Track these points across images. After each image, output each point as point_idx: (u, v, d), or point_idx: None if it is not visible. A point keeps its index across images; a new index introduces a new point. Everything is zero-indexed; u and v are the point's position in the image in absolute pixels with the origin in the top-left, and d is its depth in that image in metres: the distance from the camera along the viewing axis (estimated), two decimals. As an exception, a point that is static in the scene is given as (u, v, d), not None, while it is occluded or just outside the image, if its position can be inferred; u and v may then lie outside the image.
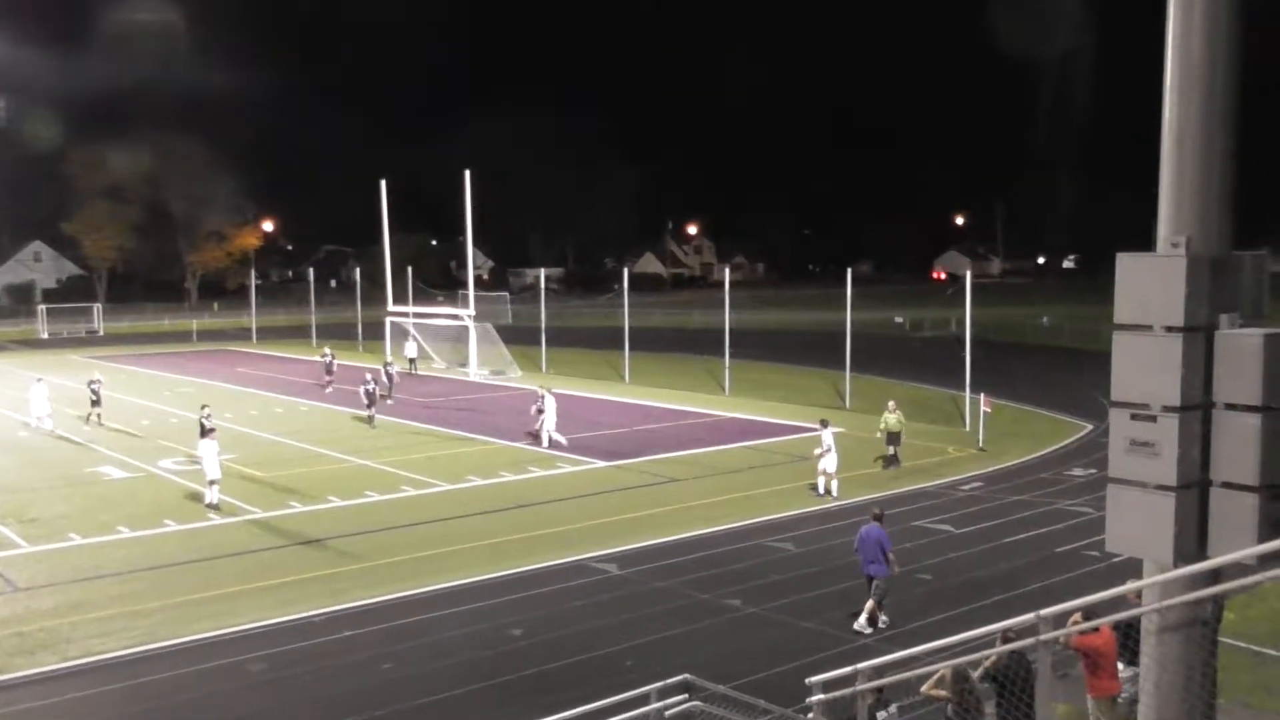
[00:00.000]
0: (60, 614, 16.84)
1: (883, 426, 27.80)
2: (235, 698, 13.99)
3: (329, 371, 43.70)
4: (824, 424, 24.88)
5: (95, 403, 34.27)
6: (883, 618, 16.00)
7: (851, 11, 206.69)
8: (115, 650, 15.34)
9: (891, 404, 28.23)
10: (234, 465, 28.02)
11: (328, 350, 46.08)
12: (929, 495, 24.48)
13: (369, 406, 34.61)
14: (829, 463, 24.08)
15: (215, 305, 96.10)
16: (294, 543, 21.00)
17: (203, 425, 27.61)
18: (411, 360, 49.50)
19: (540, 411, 30.70)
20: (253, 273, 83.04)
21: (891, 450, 27.71)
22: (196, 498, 24.23)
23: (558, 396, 41.29)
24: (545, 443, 30.30)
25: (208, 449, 23.63)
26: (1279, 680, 6.00)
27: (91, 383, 34.81)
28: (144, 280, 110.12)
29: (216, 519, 22.63)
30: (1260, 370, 5.79)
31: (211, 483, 23.54)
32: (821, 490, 24.25)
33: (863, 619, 15.90)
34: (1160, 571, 6.24)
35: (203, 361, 56.69)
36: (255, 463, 28.21)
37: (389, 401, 38.22)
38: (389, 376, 40.07)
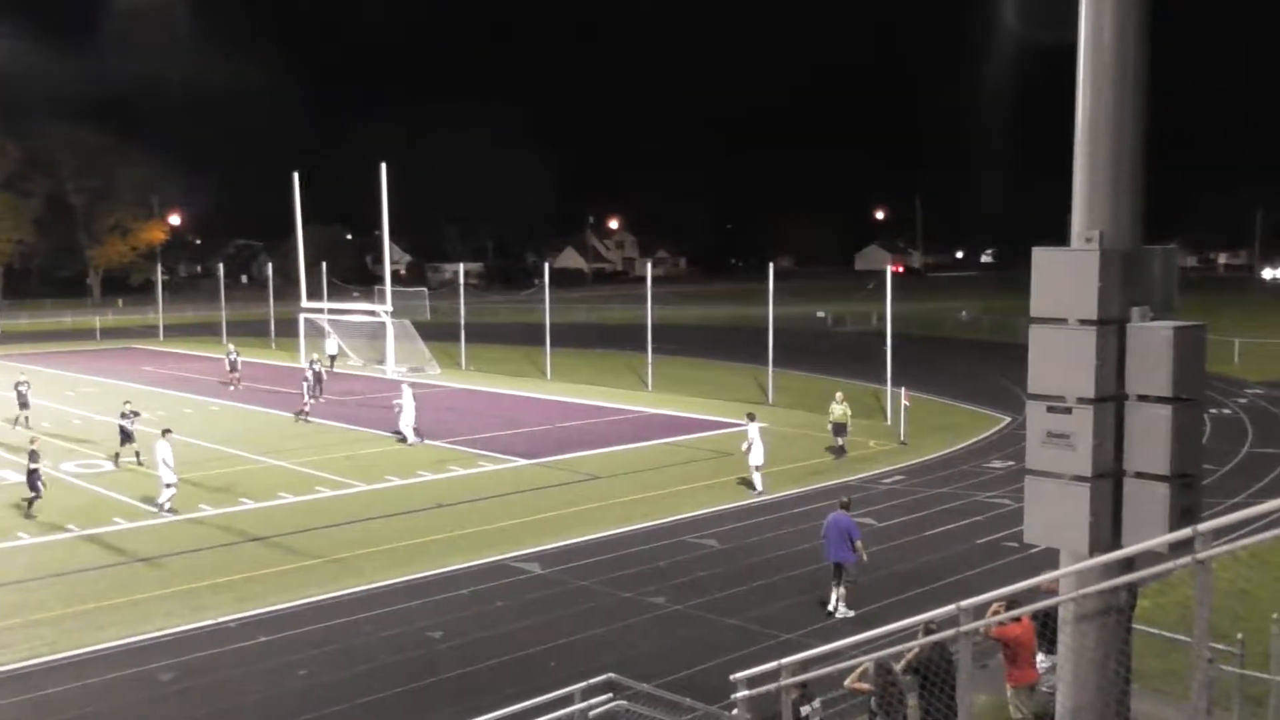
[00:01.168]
0: (-42, 625, 16.18)
1: (831, 418, 28.34)
2: (145, 708, 13.56)
3: (234, 369, 42.97)
4: (750, 418, 24.98)
5: (23, 405, 33.22)
6: (841, 607, 16.28)
7: (770, 6, 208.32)
8: (16, 661, 14.77)
9: (839, 395, 28.83)
10: (139, 468, 27.30)
11: (232, 348, 45.26)
12: (851, 489, 24.59)
13: (305, 400, 34.80)
14: (754, 456, 24.16)
15: (119, 302, 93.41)
16: (205, 547, 20.46)
17: (123, 420, 26.88)
18: (332, 357, 48.70)
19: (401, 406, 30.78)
20: (159, 268, 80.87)
21: (839, 441, 28.25)
22: (101, 502, 23.51)
23: (477, 394, 41.15)
24: (409, 437, 30.24)
25: (163, 450, 22.80)
26: (1187, 665, 6.11)
27: (19, 384, 33.69)
28: (43, 276, 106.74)
29: (123, 523, 21.96)
30: (1170, 362, 5.89)
31: (168, 485, 22.76)
32: (759, 487, 24.24)
33: (834, 602, 16.28)
34: (1076, 561, 6.31)
35: (107, 360, 55.09)
36: (163, 464, 27.40)
37: (319, 400, 37.56)
38: (315, 375, 39.39)
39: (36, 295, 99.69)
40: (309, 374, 37.43)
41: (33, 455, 22.62)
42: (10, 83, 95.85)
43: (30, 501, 22.44)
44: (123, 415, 27.34)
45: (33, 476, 22.31)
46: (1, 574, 18.68)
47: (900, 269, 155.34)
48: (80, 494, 24.61)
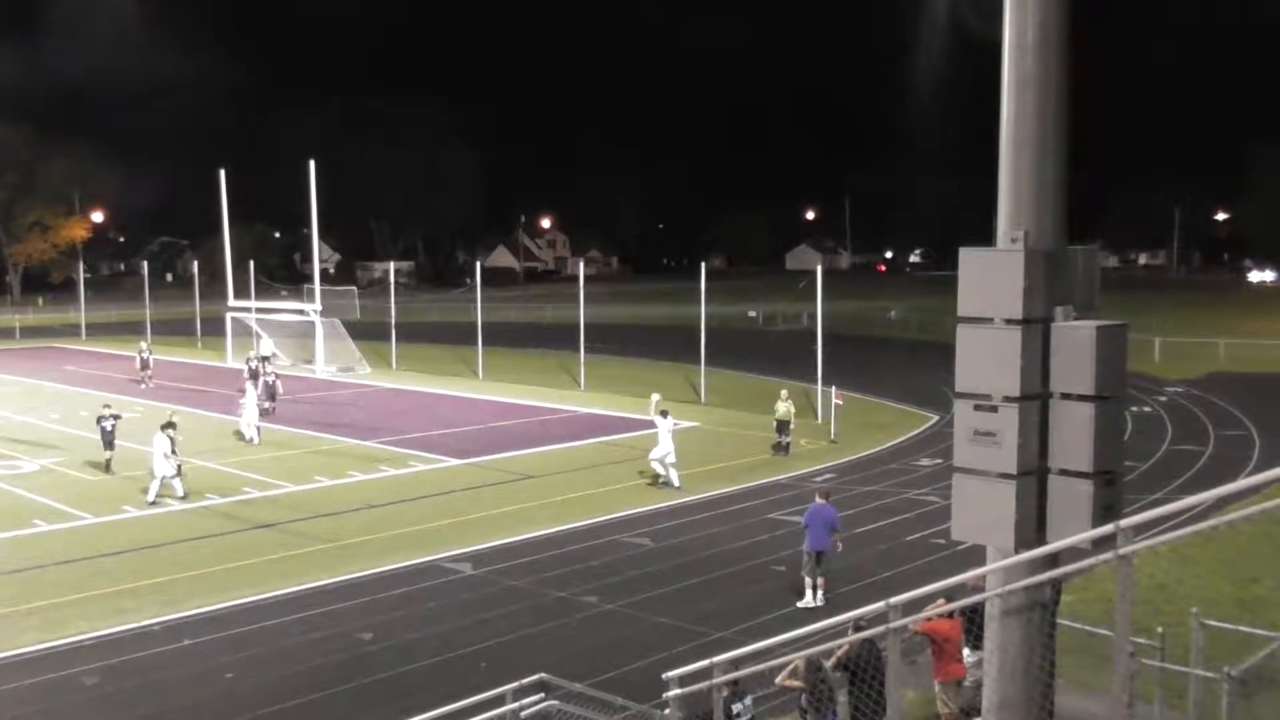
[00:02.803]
0: None
1: (775, 415, 28.66)
2: (67, 713, 13.24)
3: (145, 367, 42.26)
4: (664, 415, 25.07)
5: None
6: (820, 595, 16.60)
7: (700, 8, 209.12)
8: (-70, 670, 14.34)
9: (784, 393, 29.14)
10: (61, 468, 26.68)
11: (144, 345, 44.50)
12: (782, 487, 24.87)
13: (270, 399, 34.77)
14: (658, 450, 24.33)
15: (40, 300, 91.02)
16: (128, 549, 20.00)
17: (100, 423, 25.92)
18: (265, 358, 47.96)
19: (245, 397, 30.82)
20: (81, 265, 79.00)
21: (785, 439, 28.54)
22: (21, 504, 22.92)
23: (409, 393, 40.76)
24: (251, 436, 30.18)
25: (161, 443, 23.03)
26: (1110, 659, 6.25)
27: None
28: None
29: (43, 525, 21.41)
30: (1093, 361, 6.00)
31: (162, 479, 23.11)
32: (660, 480, 24.40)
33: (809, 595, 16.55)
34: (1002, 558, 6.41)
35: (26, 360, 53.62)
36: (86, 465, 26.83)
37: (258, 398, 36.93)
38: (252, 373, 38.68)
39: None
40: (250, 371, 36.94)
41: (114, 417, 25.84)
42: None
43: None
44: (100, 419, 26.18)
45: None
46: (-87, 580, 18.11)
47: (882, 268, 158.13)
48: (-3, 496, 23.94)
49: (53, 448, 29.33)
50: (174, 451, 23.42)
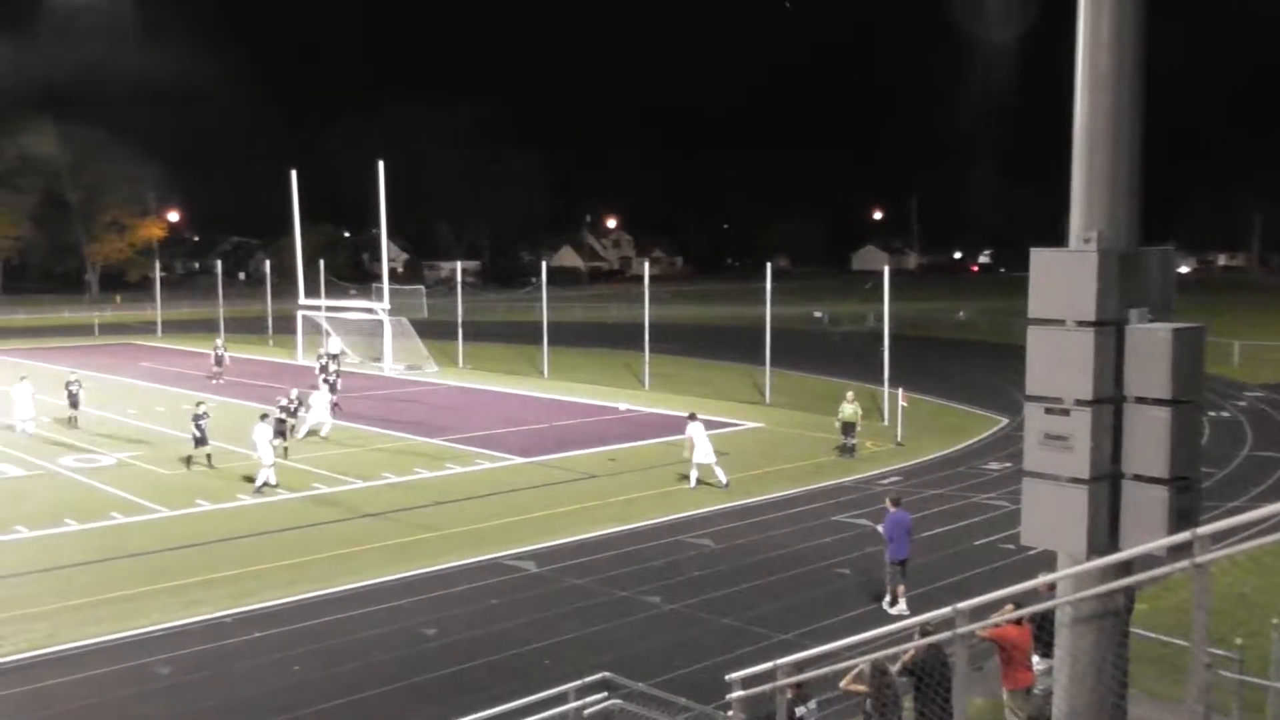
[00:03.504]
0: (-48, 620, 16.13)
1: (840, 417, 28.53)
2: (138, 702, 13.54)
3: (219, 364, 43.19)
4: (692, 417, 25.00)
5: (74, 404, 32.44)
6: (902, 604, 16.36)
7: (761, 4, 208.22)
8: (11, 654, 14.75)
9: (849, 395, 28.93)
10: (138, 462, 27.30)
11: (219, 342, 45.41)
12: (847, 490, 24.67)
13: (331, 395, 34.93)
14: (700, 454, 24.40)
15: (117, 298, 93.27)
16: (200, 543, 20.41)
17: (196, 421, 26.28)
18: (334, 356, 48.74)
19: (294, 410, 30.46)
20: (156, 264, 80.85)
21: (851, 441, 28.38)
22: (99, 497, 23.51)
23: (475, 392, 41.13)
24: (301, 433, 30.36)
25: (262, 433, 24.20)
26: (1185, 670, 6.10)
27: (70, 384, 32.99)
28: (41, 272, 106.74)
29: (120, 518, 21.92)
30: (1169, 364, 5.85)
31: (266, 466, 24.16)
32: (693, 483, 24.53)
33: (902, 604, 16.28)
34: (1074, 564, 6.28)
35: (105, 355, 54.98)
36: (160, 460, 27.43)
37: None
38: (322, 368, 39.37)
39: (34, 291, 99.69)
40: (321, 368, 37.72)
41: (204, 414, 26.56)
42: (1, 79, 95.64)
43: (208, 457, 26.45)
44: (196, 417, 26.53)
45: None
46: (-4, 569, 18.66)
47: (975, 269, 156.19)
48: (78, 488, 24.57)
49: (131, 442, 30.05)
50: (281, 434, 24.60)
